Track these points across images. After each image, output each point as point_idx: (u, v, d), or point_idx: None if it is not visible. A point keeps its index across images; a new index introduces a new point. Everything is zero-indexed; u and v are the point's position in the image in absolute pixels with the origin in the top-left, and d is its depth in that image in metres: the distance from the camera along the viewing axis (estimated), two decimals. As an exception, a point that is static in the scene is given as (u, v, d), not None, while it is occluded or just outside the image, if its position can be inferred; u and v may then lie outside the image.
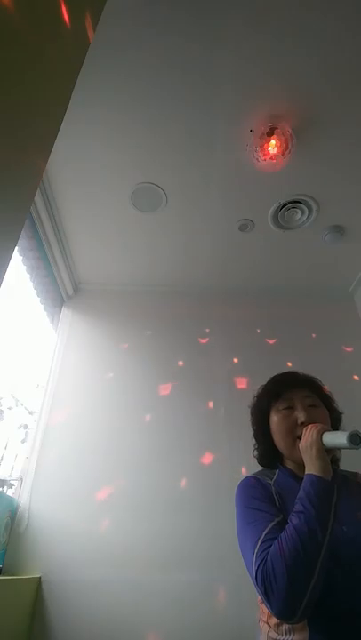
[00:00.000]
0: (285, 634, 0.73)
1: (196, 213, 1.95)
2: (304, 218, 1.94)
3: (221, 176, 1.77)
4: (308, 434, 0.81)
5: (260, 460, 1.00)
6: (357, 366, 2.14)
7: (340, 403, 0.99)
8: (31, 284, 2.11)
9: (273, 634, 0.75)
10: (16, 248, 1.02)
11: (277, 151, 1.56)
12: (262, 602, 0.70)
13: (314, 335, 2.26)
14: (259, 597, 0.75)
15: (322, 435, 0.79)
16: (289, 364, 2.13)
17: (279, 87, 1.44)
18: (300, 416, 0.89)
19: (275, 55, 1.35)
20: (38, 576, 1.56)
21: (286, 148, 1.55)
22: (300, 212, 1.92)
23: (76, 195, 1.87)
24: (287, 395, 0.94)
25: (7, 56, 0.63)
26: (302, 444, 0.82)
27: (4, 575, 1.53)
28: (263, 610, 0.79)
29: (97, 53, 1.27)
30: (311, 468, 0.77)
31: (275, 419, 0.94)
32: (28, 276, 2.06)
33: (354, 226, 2.01)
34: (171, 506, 1.70)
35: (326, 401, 0.97)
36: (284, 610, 0.65)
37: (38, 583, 1.55)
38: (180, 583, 1.52)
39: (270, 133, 1.53)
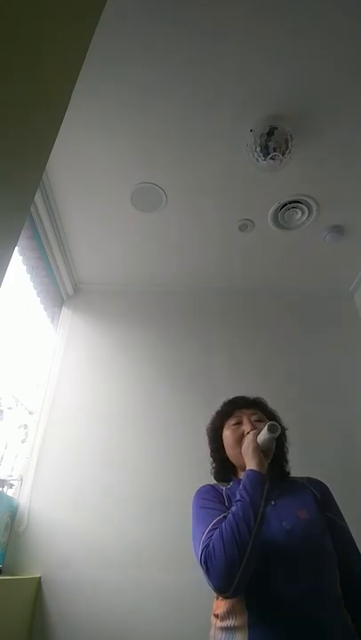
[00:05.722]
0: (229, 619, 0.83)
1: (195, 213, 1.95)
2: (304, 218, 1.94)
3: (221, 176, 1.77)
4: (246, 438, 0.96)
5: (216, 476, 1.13)
6: (358, 366, 2.14)
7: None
8: (31, 283, 2.11)
9: (220, 623, 0.85)
10: (16, 248, 1.02)
11: (277, 151, 1.56)
12: (207, 583, 0.79)
13: (314, 335, 2.26)
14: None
15: (256, 437, 0.92)
16: (289, 364, 2.13)
17: (279, 87, 1.45)
18: (247, 428, 1.02)
19: (275, 55, 1.35)
20: (38, 576, 1.56)
21: (286, 148, 1.55)
22: (300, 212, 1.92)
23: (75, 195, 1.87)
24: (237, 413, 1.09)
25: (7, 56, 0.63)
26: (243, 448, 0.95)
27: (4, 575, 1.53)
28: (214, 606, 0.90)
29: (96, 52, 1.27)
30: (249, 464, 0.89)
31: (226, 433, 1.07)
32: (28, 275, 2.06)
33: (354, 226, 2.01)
34: (171, 505, 1.69)
35: (271, 417, 1.10)
36: (221, 583, 0.76)
37: (38, 583, 1.55)
38: (180, 582, 1.52)
39: (270, 133, 1.53)
